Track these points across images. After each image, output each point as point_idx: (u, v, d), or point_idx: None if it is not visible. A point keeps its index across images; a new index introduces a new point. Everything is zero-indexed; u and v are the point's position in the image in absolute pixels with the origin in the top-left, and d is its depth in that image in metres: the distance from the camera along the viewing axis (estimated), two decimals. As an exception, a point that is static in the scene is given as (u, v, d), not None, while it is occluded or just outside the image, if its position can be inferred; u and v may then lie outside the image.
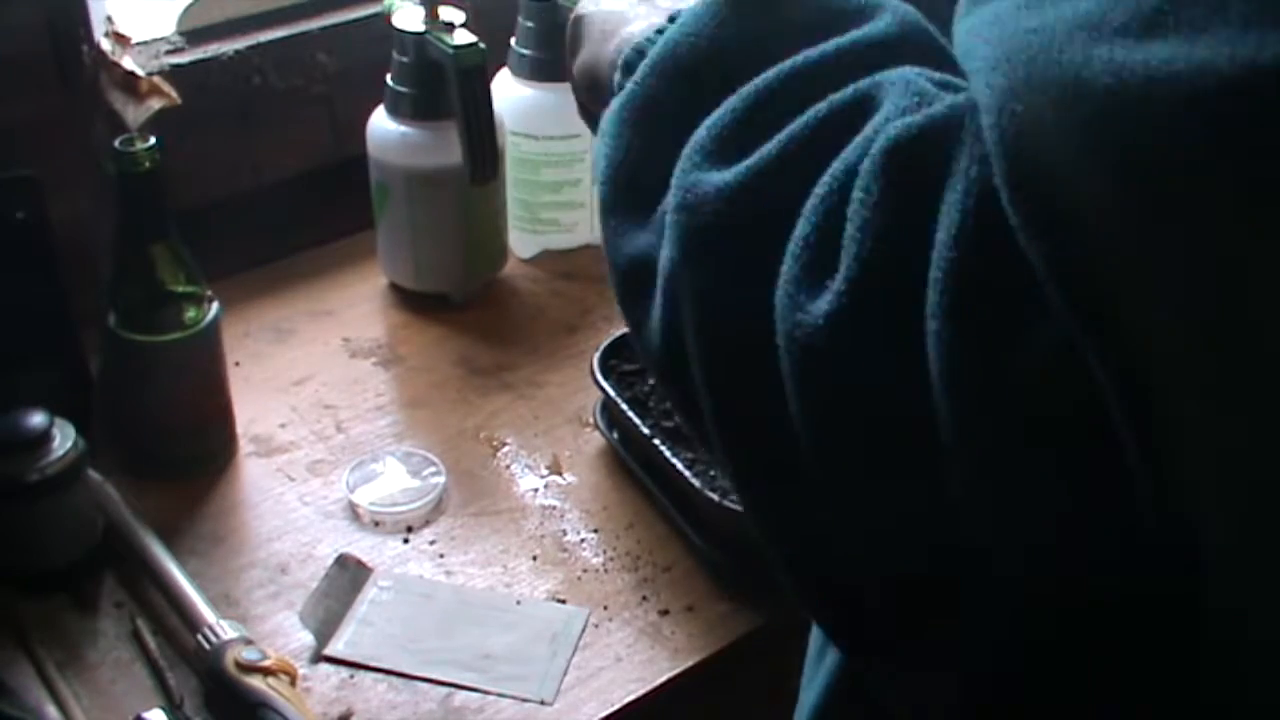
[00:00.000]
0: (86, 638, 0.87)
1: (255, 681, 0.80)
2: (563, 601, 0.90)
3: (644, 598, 0.91)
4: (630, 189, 0.49)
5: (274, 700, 0.79)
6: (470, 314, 1.18)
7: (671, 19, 0.53)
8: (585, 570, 0.93)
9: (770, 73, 0.46)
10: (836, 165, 0.42)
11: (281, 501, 0.99)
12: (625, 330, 1.05)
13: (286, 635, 0.88)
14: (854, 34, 0.47)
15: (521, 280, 1.24)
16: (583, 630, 0.88)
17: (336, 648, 0.87)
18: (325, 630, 0.87)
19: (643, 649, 0.88)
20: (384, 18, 1.13)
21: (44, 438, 0.88)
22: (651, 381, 1.01)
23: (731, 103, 0.46)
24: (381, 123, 1.14)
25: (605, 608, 0.90)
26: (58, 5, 1.02)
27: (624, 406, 0.97)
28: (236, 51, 1.15)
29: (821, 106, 0.43)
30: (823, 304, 0.40)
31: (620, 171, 0.50)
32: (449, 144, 1.10)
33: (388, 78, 1.13)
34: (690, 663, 0.87)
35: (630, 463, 1.00)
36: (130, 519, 0.92)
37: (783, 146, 0.43)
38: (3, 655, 0.85)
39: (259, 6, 1.19)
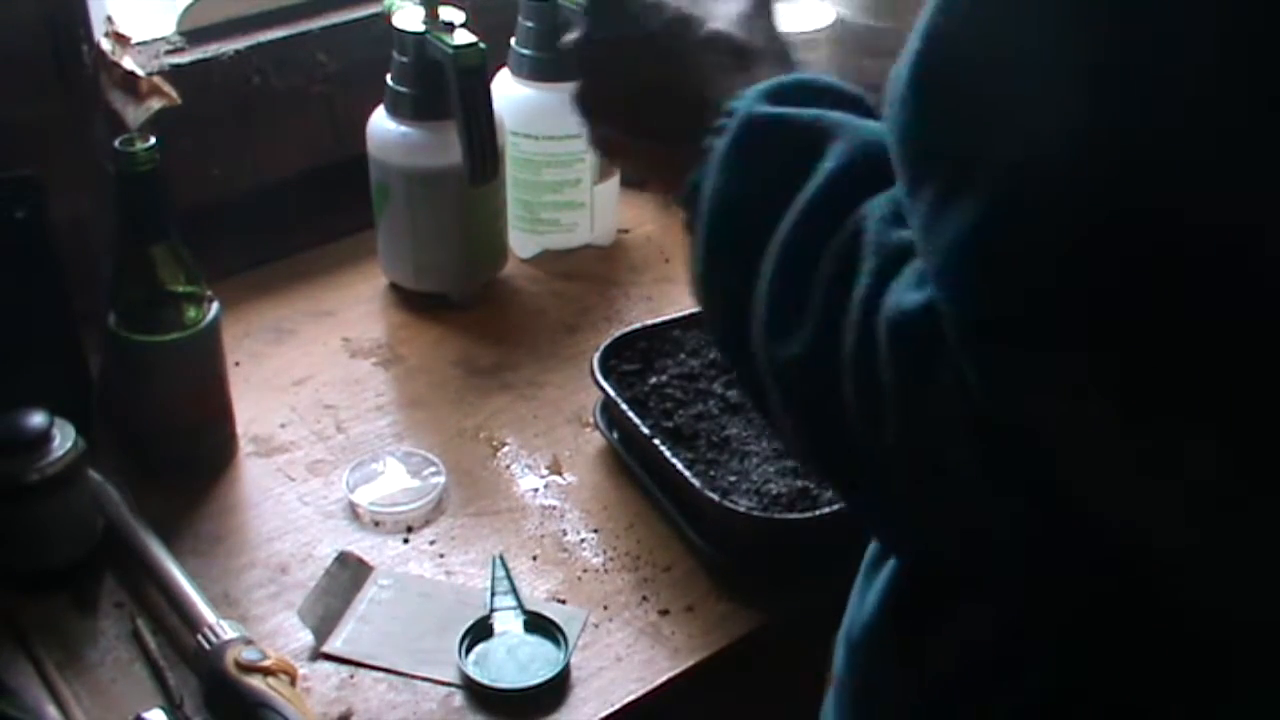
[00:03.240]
0: (86, 638, 0.87)
1: (255, 681, 0.80)
2: (563, 601, 0.90)
3: (644, 598, 0.91)
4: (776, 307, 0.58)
5: (274, 700, 0.79)
6: (470, 314, 1.18)
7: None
8: (585, 570, 0.93)
9: (780, 233, 0.57)
10: (851, 328, 0.52)
11: (281, 501, 0.99)
12: (625, 330, 1.06)
13: (286, 635, 0.88)
14: (823, 175, 0.56)
15: (521, 280, 1.24)
16: (582, 630, 0.88)
17: (335, 645, 0.87)
18: (324, 627, 0.87)
19: (643, 649, 0.88)
20: (384, 18, 1.13)
21: (44, 438, 0.88)
22: (651, 381, 1.01)
23: (766, 274, 0.57)
24: (381, 123, 1.14)
25: (605, 608, 0.90)
26: (58, 5, 1.02)
27: (624, 406, 0.97)
28: (236, 51, 1.15)
29: (825, 273, 0.54)
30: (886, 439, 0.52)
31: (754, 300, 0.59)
32: (449, 144, 1.10)
33: (388, 78, 1.13)
34: (690, 663, 0.87)
35: (630, 463, 1.00)
36: (130, 519, 0.92)
37: (816, 331, 0.54)
38: (3, 655, 0.85)
39: (259, 6, 1.19)
